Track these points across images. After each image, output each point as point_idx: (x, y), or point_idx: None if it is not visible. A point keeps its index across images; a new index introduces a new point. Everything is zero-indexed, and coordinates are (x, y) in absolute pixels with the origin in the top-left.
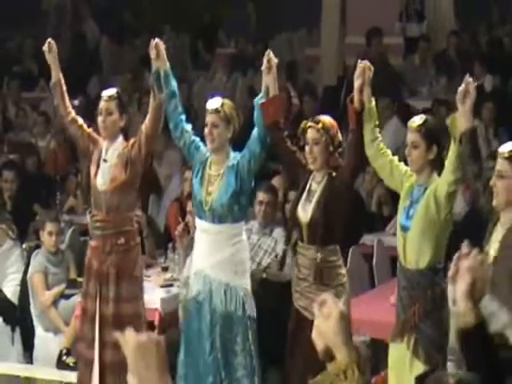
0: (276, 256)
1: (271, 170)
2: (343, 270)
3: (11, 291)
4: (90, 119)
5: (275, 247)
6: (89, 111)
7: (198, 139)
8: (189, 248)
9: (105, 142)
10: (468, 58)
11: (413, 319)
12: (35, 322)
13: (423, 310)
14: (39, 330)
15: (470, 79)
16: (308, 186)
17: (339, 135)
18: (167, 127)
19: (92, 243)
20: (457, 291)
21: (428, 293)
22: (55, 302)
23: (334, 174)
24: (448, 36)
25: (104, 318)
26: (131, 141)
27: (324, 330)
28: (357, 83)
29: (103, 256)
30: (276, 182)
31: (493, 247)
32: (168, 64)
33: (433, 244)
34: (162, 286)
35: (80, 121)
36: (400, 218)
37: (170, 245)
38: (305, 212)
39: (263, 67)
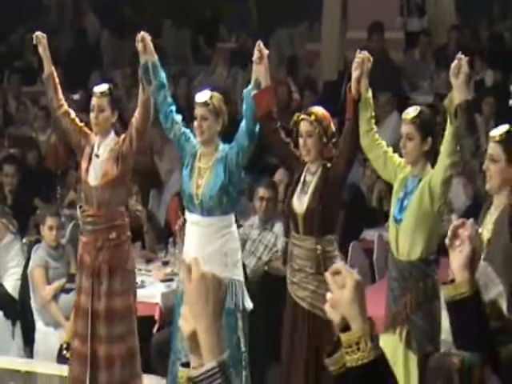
0: (277, 251)
1: (272, 164)
2: (339, 260)
3: (12, 285)
4: None
5: (276, 242)
6: (89, 105)
7: (188, 131)
8: None
9: (97, 137)
10: (469, 53)
11: (404, 311)
12: (36, 317)
13: (415, 302)
14: (39, 325)
15: (462, 55)
16: (302, 177)
17: (332, 126)
18: None
19: (83, 239)
20: (454, 261)
21: (420, 284)
22: (56, 297)
23: (328, 164)
24: (449, 31)
25: (96, 313)
26: (122, 136)
27: (339, 300)
28: (355, 74)
29: (95, 251)
30: (279, 175)
31: (486, 229)
32: (156, 56)
33: (425, 236)
34: (163, 281)
35: (72, 114)
36: (393, 209)
37: (171, 239)
38: (300, 203)
39: (254, 58)
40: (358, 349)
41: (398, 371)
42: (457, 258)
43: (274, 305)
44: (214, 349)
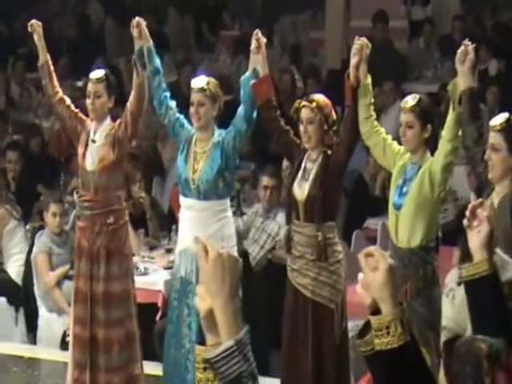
0: (280, 240)
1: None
2: (340, 247)
3: (15, 272)
4: None
5: (278, 232)
6: None
7: (182, 116)
8: None
9: (93, 122)
10: (473, 42)
11: (404, 298)
12: (39, 303)
13: (415, 289)
14: (43, 311)
15: (469, 42)
16: (303, 164)
17: (333, 113)
18: None
19: (80, 224)
20: (472, 241)
21: (420, 271)
22: (59, 283)
23: (329, 152)
24: (453, 20)
25: (95, 297)
26: (118, 121)
27: (371, 282)
28: (353, 60)
29: (93, 236)
30: (286, 162)
31: None
32: (151, 41)
33: (425, 222)
34: (166, 268)
35: (68, 101)
36: (392, 196)
37: (174, 227)
38: (301, 190)
39: (252, 47)
40: (388, 333)
41: None
42: (475, 238)
43: (276, 293)
44: (230, 327)
